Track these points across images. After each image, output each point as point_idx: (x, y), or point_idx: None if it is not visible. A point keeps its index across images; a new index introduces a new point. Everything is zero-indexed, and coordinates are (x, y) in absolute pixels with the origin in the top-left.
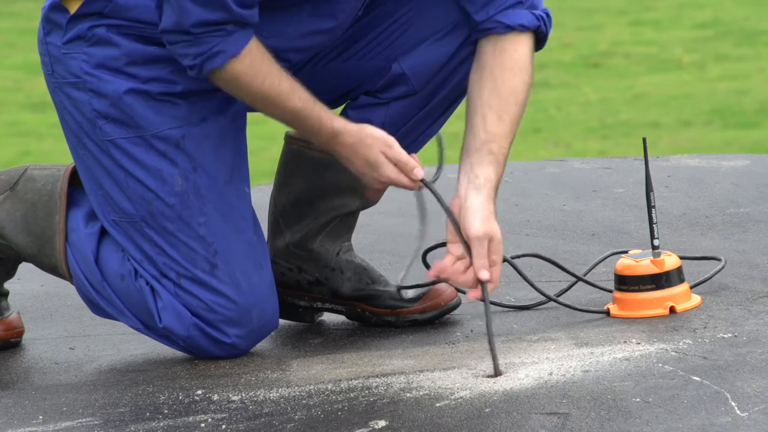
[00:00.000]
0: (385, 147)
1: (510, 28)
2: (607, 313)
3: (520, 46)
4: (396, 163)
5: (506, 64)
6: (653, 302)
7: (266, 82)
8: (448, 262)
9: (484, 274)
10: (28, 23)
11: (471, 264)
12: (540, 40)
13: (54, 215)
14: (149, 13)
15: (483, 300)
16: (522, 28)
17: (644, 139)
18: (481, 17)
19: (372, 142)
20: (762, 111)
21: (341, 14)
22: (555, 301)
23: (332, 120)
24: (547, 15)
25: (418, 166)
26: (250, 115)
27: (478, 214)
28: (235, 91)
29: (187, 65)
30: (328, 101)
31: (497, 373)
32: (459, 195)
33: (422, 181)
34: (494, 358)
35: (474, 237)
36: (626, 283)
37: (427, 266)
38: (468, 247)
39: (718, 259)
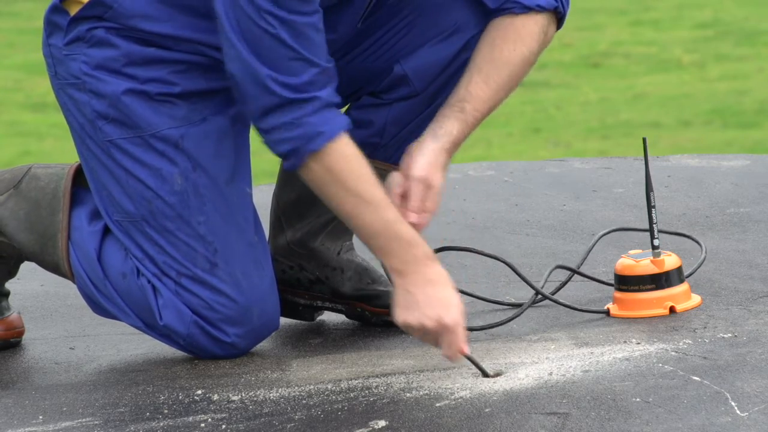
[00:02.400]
0: (461, 305)
1: (527, 9)
2: (607, 313)
3: (529, 22)
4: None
5: (509, 36)
6: (653, 302)
7: (361, 181)
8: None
9: (412, 217)
10: (28, 23)
11: (476, 365)
12: (559, 21)
13: (57, 213)
14: (148, 23)
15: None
16: (539, 8)
17: (644, 139)
18: (494, 4)
19: (454, 289)
20: (762, 111)
21: (340, 27)
22: (555, 301)
23: (425, 242)
24: None
25: (466, 347)
26: None
27: (425, 157)
28: (328, 184)
29: (283, 151)
30: None
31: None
32: (417, 140)
33: (465, 354)
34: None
35: (414, 177)
36: (626, 283)
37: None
38: (477, 365)
39: (696, 241)
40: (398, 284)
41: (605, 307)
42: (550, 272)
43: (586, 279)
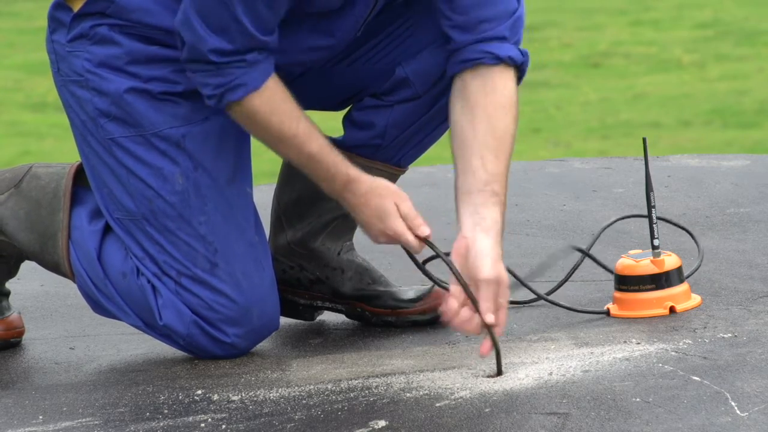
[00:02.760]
0: (398, 199)
1: (499, 60)
2: (607, 313)
3: (508, 82)
4: (405, 218)
5: (498, 103)
6: (653, 302)
7: (284, 122)
8: (452, 306)
9: (490, 318)
10: (28, 23)
11: (475, 309)
12: (518, 79)
13: (58, 213)
14: (149, 16)
15: (494, 348)
16: (510, 61)
17: (644, 139)
18: (464, 39)
19: (385, 192)
20: (762, 111)
21: (338, 33)
22: (554, 303)
23: (347, 167)
24: (527, 54)
25: (425, 224)
26: None
27: (488, 258)
28: (251, 127)
29: (206, 95)
30: (334, 104)
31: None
32: (465, 236)
33: (426, 240)
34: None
35: (484, 280)
36: (626, 283)
37: (426, 273)
38: (469, 292)
39: (694, 239)
40: (347, 209)
41: (605, 308)
42: (563, 253)
43: (586, 280)
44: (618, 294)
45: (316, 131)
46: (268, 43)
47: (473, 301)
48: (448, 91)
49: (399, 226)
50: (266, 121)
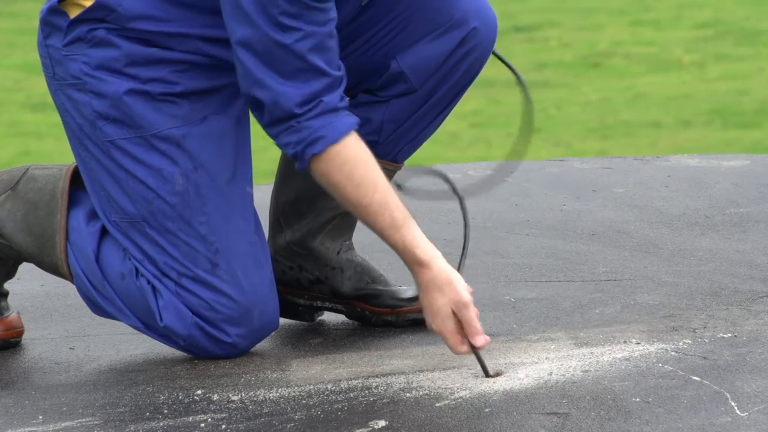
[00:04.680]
0: (456, 305)
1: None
2: None
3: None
4: (464, 324)
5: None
6: None
7: (360, 188)
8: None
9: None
10: (28, 23)
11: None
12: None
13: (55, 215)
14: (151, 24)
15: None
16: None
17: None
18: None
19: (448, 291)
20: (762, 111)
21: (343, 7)
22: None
23: (418, 246)
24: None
25: (481, 333)
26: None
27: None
28: (329, 187)
29: (290, 155)
30: None
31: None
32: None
33: (474, 349)
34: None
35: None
36: None
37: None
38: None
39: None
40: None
41: None
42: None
43: (586, 280)
44: None
45: (392, 201)
46: (341, 78)
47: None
48: (444, 84)
49: (446, 330)
50: (342, 185)
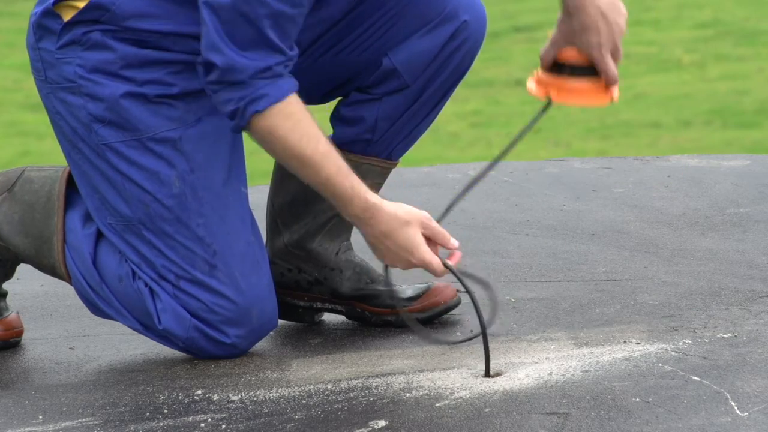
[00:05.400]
0: (422, 222)
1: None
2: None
3: None
4: (434, 237)
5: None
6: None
7: (303, 140)
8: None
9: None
10: (27, 23)
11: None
12: None
13: (52, 216)
14: (146, 22)
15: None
16: None
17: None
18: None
19: (411, 219)
20: (762, 111)
21: (334, 1)
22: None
23: (367, 192)
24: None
25: (452, 238)
26: None
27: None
28: (270, 144)
29: (228, 111)
30: (321, 95)
31: (489, 372)
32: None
33: (445, 264)
34: (487, 358)
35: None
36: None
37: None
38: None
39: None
40: (362, 234)
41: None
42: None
43: (586, 280)
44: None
45: (335, 153)
46: (293, 57)
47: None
48: (436, 79)
49: (427, 255)
50: (285, 138)
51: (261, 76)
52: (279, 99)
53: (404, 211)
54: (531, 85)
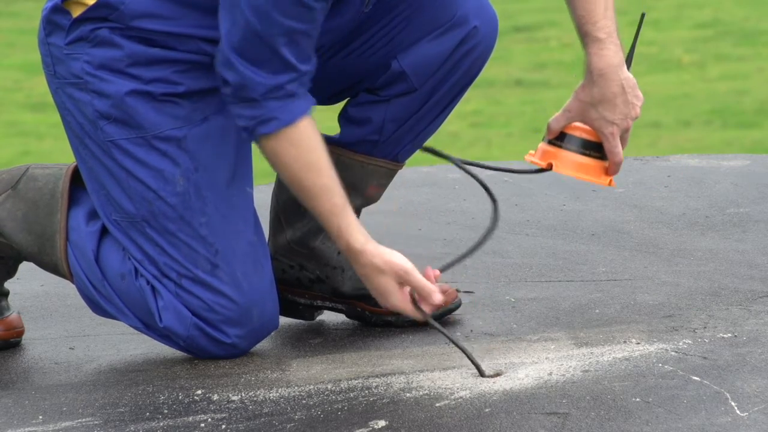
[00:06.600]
0: (401, 275)
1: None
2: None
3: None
4: (417, 290)
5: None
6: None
7: (303, 170)
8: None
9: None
10: (28, 23)
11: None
12: None
13: (55, 214)
14: (154, 23)
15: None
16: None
17: (642, 14)
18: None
19: (386, 268)
20: (762, 111)
21: (347, 11)
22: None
23: (351, 235)
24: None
25: (437, 292)
26: None
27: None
28: (274, 164)
29: (240, 125)
30: (329, 96)
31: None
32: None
33: (427, 319)
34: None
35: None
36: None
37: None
38: (461, 347)
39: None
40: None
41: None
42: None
43: (586, 280)
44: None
45: (335, 188)
46: (308, 72)
47: (469, 358)
48: (445, 83)
49: (400, 304)
50: (288, 165)
51: (273, 96)
52: (288, 123)
53: (382, 260)
54: (530, 158)
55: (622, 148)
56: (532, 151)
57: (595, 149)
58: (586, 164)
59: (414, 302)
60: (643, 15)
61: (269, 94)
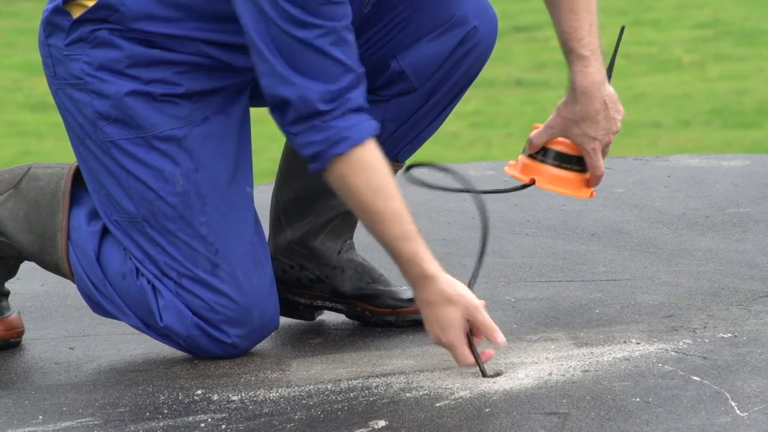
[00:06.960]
0: (469, 311)
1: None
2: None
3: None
4: (481, 327)
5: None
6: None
7: (377, 194)
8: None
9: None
10: (28, 23)
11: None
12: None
13: (57, 213)
14: (154, 25)
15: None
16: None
17: (622, 28)
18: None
19: (456, 300)
20: (762, 111)
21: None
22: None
23: (424, 261)
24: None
25: (499, 331)
26: (251, 114)
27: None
28: (344, 190)
29: (309, 154)
30: None
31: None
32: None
33: (477, 357)
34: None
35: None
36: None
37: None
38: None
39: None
40: (416, 298)
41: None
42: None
43: (586, 280)
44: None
45: (405, 213)
46: (363, 74)
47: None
48: (445, 83)
49: (455, 340)
50: (359, 190)
51: (339, 110)
52: (358, 143)
53: (455, 292)
54: (511, 170)
55: (603, 157)
56: (512, 162)
57: (576, 163)
58: (568, 178)
59: (469, 343)
60: (623, 28)
61: (333, 105)
